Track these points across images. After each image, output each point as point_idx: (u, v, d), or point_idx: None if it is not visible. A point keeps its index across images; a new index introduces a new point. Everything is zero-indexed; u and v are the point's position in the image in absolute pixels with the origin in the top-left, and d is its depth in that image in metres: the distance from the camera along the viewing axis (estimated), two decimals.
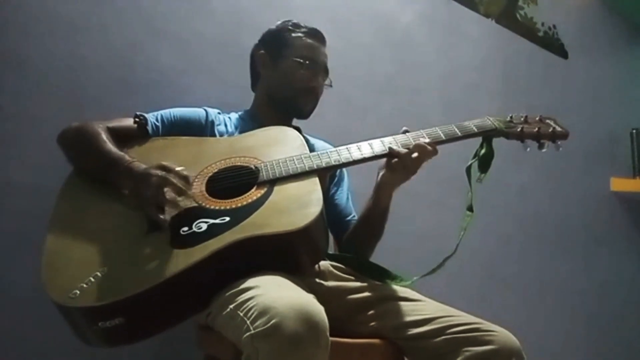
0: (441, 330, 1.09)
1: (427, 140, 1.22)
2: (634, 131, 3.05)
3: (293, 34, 1.41)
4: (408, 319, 1.13)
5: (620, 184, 2.96)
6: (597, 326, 2.72)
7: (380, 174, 1.27)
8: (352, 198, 1.47)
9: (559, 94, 2.74)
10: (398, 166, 1.20)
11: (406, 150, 1.20)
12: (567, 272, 2.62)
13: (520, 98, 2.52)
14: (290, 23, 1.44)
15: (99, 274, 0.95)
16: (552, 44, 2.77)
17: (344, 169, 1.48)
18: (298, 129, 1.34)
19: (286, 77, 1.39)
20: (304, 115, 1.42)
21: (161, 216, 1.03)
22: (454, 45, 2.31)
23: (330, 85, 1.46)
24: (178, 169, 1.07)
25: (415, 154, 1.20)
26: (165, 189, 1.03)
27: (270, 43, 1.44)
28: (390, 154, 1.20)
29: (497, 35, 2.49)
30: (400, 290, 1.21)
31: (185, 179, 1.07)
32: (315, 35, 1.43)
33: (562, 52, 2.82)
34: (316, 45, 1.41)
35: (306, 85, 1.38)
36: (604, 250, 2.86)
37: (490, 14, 2.46)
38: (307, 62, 1.38)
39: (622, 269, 2.93)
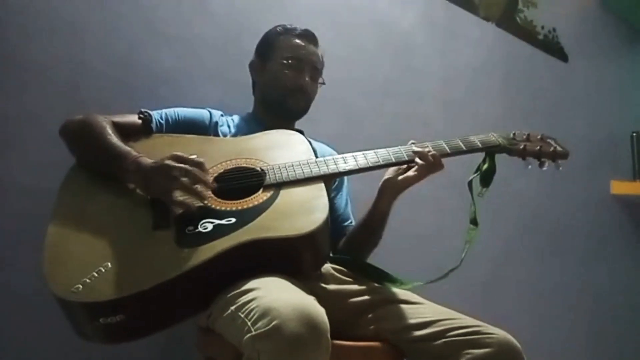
0: (442, 333, 1.09)
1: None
2: (634, 134, 3.05)
3: (281, 37, 1.42)
4: (408, 322, 1.13)
5: (621, 187, 2.95)
6: (598, 329, 2.72)
7: (385, 177, 1.28)
8: (352, 204, 1.47)
9: (559, 97, 2.75)
10: (421, 167, 1.22)
11: (426, 150, 1.22)
12: (567, 275, 2.61)
13: (521, 101, 2.52)
14: (279, 27, 1.44)
15: (102, 269, 0.95)
16: (552, 47, 2.77)
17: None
18: (301, 132, 1.34)
19: (273, 79, 1.40)
20: (296, 115, 1.42)
21: (182, 200, 1.03)
22: (454, 49, 2.32)
23: (323, 83, 1.46)
24: (192, 156, 1.07)
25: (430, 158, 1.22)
26: (183, 179, 1.03)
27: (260, 49, 1.45)
28: (414, 158, 1.23)
29: (497, 39, 2.50)
30: (401, 293, 1.21)
31: (200, 165, 1.06)
32: (303, 35, 1.43)
33: (562, 56, 2.82)
34: (302, 44, 1.41)
35: (292, 85, 1.38)
36: (605, 253, 2.86)
37: (490, 17, 2.47)
38: (291, 61, 1.38)
39: (622, 271, 2.93)
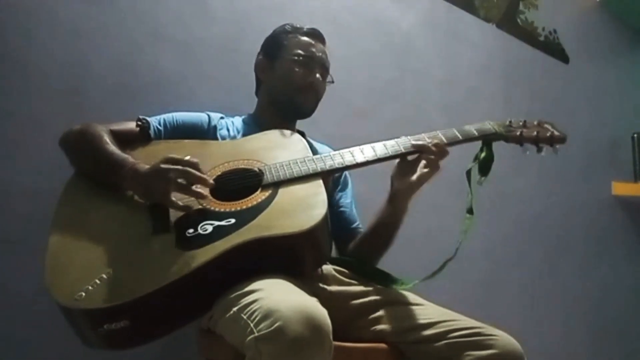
0: (443, 335, 1.09)
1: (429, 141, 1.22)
2: (636, 135, 3.05)
3: (289, 35, 1.42)
4: (410, 323, 1.14)
5: (622, 188, 2.95)
6: (598, 330, 2.72)
7: (395, 182, 1.25)
8: (356, 205, 1.47)
9: (560, 99, 2.75)
10: (430, 162, 1.21)
11: (429, 142, 1.21)
12: (568, 276, 2.61)
13: (521, 103, 2.52)
14: (287, 26, 1.44)
15: (104, 275, 0.95)
16: (553, 48, 2.77)
17: (349, 176, 1.48)
18: (302, 133, 1.34)
19: (283, 77, 1.39)
20: (305, 113, 1.42)
21: (181, 204, 1.03)
22: (454, 50, 2.32)
23: (332, 82, 1.46)
24: (186, 158, 1.07)
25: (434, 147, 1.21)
26: (179, 180, 1.04)
27: (267, 47, 1.45)
28: (416, 151, 1.22)
29: (498, 40, 2.50)
30: (402, 294, 1.21)
31: (195, 165, 1.07)
32: (311, 33, 1.43)
33: (563, 57, 2.82)
34: (311, 43, 1.41)
35: (303, 82, 1.37)
36: (605, 254, 2.86)
37: (490, 18, 2.47)
38: (302, 58, 1.38)
39: (623, 273, 2.93)
